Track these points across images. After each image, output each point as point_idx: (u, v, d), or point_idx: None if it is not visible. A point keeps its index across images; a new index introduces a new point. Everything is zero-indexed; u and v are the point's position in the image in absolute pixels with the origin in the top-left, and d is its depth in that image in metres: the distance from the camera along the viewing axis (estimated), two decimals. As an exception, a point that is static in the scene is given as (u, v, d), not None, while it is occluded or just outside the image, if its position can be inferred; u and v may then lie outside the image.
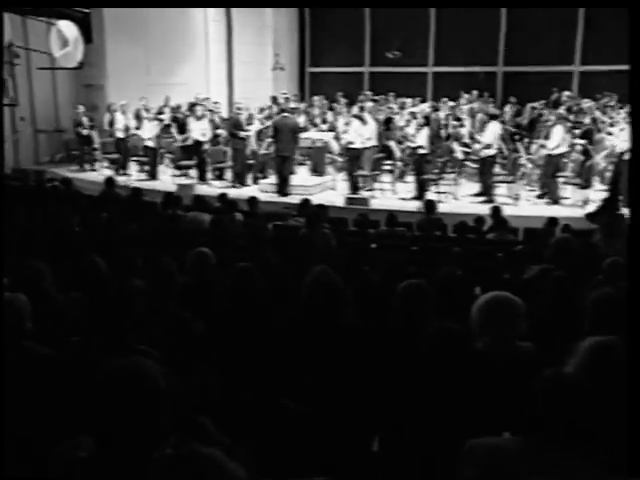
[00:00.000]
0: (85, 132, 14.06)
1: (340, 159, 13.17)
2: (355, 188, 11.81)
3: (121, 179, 12.35)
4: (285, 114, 12.23)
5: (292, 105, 15.22)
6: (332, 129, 14.52)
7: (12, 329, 2.95)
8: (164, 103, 14.77)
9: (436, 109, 15.24)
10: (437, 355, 2.80)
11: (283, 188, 11.81)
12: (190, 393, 2.38)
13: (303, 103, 17.09)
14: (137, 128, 13.68)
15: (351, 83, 20.01)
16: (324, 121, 15.08)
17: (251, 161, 12.83)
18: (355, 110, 13.31)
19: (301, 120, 15.23)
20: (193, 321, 3.57)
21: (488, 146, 11.35)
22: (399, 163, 12.73)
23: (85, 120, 14.06)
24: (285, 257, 5.40)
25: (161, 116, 14.06)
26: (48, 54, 11.22)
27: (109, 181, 9.49)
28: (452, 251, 6.72)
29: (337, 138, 13.47)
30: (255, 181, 12.78)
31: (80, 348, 3.03)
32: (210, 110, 14.03)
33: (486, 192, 11.45)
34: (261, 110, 13.67)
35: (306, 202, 8.37)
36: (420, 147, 11.48)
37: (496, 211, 8.08)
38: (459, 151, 12.58)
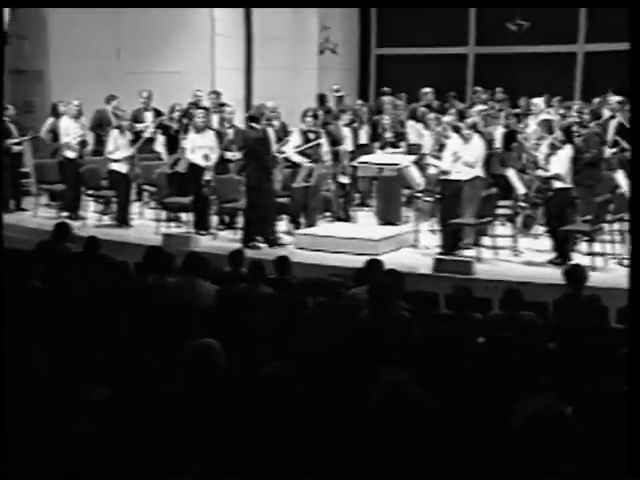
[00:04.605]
0: (15, 148, 14.52)
1: (427, 198, 13.27)
2: (451, 245, 11.88)
3: (73, 224, 12.66)
4: (253, 124, 12.54)
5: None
6: (413, 150, 14.65)
7: None
8: (143, 103, 15.22)
9: (596, 115, 15.21)
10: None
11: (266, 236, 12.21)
12: None
13: (364, 106, 17.26)
14: (97, 144, 14.12)
15: (445, 73, 20.29)
16: (398, 136, 15.28)
17: (283, 199, 13.07)
18: (450, 118, 13.46)
19: (363, 133, 15.52)
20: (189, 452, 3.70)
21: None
22: (524, 204, 12.76)
23: (13, 129, 14.52)
24: (336, 354, 5.50)
25: (140, 126, 14.45)
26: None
27: (62, 229, 9.85)
28: (616, 351, 6.68)
29: (420, 164, 13.61)
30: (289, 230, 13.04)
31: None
32: (220, 114, 14.35)
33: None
34: (305, 114, 13.89)
35: (372, 266, 8.48)
36: (557, 178, 11.52)
37: None
38: (625, 184, 12.56)
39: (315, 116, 13.68)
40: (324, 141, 13.52)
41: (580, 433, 3.61)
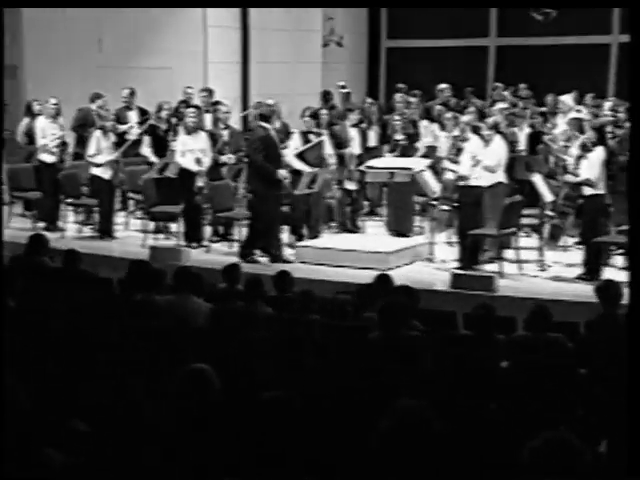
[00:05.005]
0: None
1: (443, 206, 13.28)
2: (470, 259, 11.89)
3: (50, 236, 12.69)
4: (263, 123, 12.51)
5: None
6: (427, 153, 14.65)
7: None
8: (125, 102, 15.26)
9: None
10: None
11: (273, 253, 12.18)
12: None
13: (373, 104, 17.29)
14: (78, 146, 14.15)
15: (463, 67, 20.34)
16: (411, 137, 15.30)
17: (285, 207, 13.09)
18: (469, 118, 13.48)
19: (372, 134, 15.56)
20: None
21: None
22: (551, 213, 12.77)
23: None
24: (345, 379, 5.52)
25: (123, 127, 14.49)
26: None
27: (37, 241, 9.86)
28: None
29: (436, 168, 13.59)
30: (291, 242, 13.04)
31: None
32: (214, 114, 14.38)
33: None
34: (303, 113, 13.90)
35: (382, 282, 8.49)
36: (588, 184, 11.52)
37: None
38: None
39: (314, 115, 13.55)
40: (326, 139, 13.49)
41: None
